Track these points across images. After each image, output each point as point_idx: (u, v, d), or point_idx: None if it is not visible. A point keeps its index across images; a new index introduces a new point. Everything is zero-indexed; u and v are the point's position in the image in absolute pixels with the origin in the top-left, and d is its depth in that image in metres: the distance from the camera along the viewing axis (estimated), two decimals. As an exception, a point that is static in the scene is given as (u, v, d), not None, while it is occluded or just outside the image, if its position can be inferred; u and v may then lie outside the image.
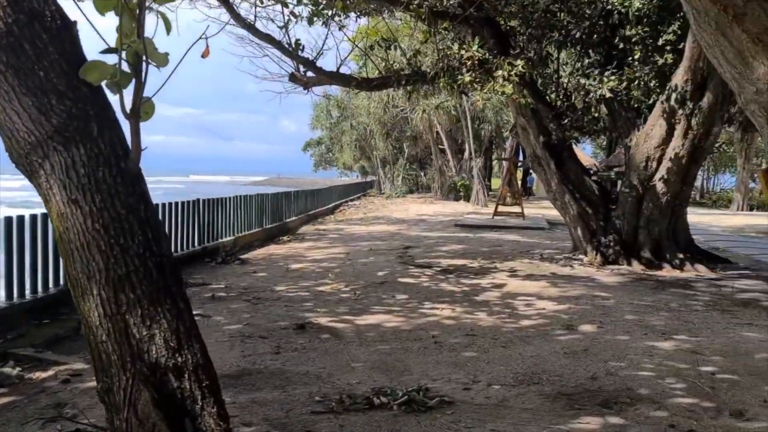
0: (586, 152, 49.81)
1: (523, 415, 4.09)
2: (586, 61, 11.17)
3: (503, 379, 4.82)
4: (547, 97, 11.60)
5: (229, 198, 12.45)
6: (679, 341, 5.95)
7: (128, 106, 2.62)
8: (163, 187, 55.46)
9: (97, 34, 2.56)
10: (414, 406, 4.21)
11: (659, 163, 10.70)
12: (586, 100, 10.07)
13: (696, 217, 22.72)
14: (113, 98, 2.68)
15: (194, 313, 3.05)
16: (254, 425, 3.86)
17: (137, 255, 2.68)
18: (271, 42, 10.04)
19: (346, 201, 31.42)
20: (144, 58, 2.55)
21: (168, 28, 2.64)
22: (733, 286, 9.25)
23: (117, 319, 2.70)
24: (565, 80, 11.58)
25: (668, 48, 10.29)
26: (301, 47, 10.35)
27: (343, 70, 11.40)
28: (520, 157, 33.44)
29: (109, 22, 2.58)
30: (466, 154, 33.17)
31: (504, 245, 13.87)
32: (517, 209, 21.72)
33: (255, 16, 10.29)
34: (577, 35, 10.81)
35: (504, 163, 26.51)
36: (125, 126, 2.72)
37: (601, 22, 11.15)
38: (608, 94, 9.64)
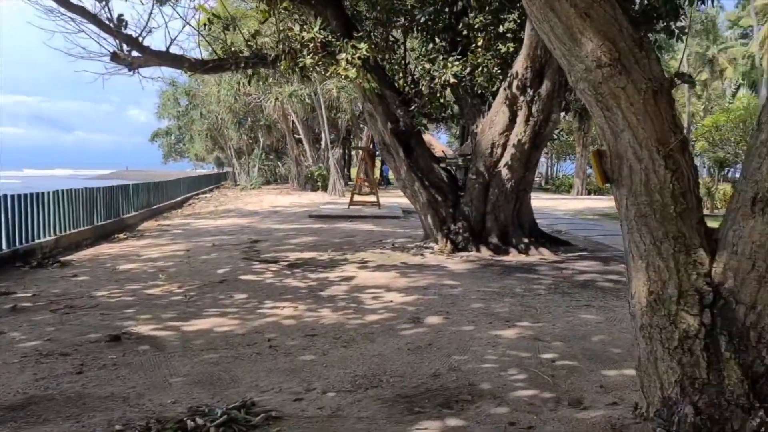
0: (441, 141, 51.29)
1: (358, 426, 3.67)
2: (432, 46, 11.07)
3: (340, 384, 4.37)
4: (396, 83, 11.38)
5: (48, 193, 10.99)
6: (522, 328, 5.87)
7: None
8: (-10, 183, 49.63)
9: None
10: (234, 427, 3.63)
11: (504, 149, 10.86)
12: (432, 86, 9.93)
13: (541, 202, 23.98)
14: None
15: None
16: (23, 473, 3.10)
17: None
18: (85, 15, 8.83)
19: (196, 194, 29.71)
20: None
21: None
22: (573, 268, 9.56)
23: None
24: (413, 66, 11.43)
25: (509, 36, 10.44)
26: (124, 23, 9.24)
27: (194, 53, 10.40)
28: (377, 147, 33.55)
29: None
30: (323, 143, 32.70)
31: (357, 235, 13.57)
32: (372, 198, 21.62)
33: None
34: (423, 21, 10.67)
35: (360, 152, 26.37)
36: None
37: (446, 9, 11.11)
38: (452, 80, 9.56)
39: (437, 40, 11.28)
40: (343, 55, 8.98)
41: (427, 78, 10.01)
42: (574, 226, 16.27)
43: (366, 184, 23.09)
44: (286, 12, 10.06)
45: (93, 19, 8.90)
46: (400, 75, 11.52)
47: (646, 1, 9.68)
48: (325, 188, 31.75)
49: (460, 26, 10.75)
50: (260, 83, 14.79)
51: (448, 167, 12.03)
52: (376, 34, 10.49)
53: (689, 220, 3.34)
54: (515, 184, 11.00)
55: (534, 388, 4.27)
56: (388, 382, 4.42)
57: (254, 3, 12.30)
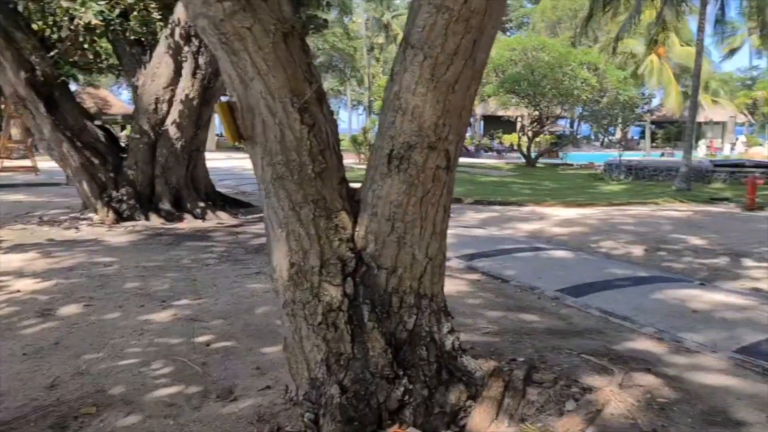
0: (122, 99, 46.67)
1: None
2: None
3: None
4: (33, 24, 9.39)
5: None
6: (179, 308, 5.17)
7: None
8: None
9: None
10: None
11: (170, 105, 9.83)
12: (72, 28, 8.36)
13: (232, 162, 23.35)
14: None
15: None
16: None
17: None
18: None
19: None
20: None
21: None
22: (251, 232, 9.14)
23: None
24: (54, 4, 9.55)
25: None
26: None
27: None
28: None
29: None
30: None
31: (-1, 208, 11.23)
32: (28, 163, 18.44)
33: None
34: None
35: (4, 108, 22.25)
36: None
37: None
38: (96, 21, 8.13)
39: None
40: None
41: (67, 19, 8.38)
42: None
43: (16, 147, 19.60)
44: None
45: None
46: (39, 15, 9.54)
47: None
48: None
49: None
50: None
51: (107, 125, 10.52)
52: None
53: (330, 181, 2.99)
54: (186, 144, 10.10)
55: (179, 383, 3.64)
56: (-20, 406, 3.35)
57: None
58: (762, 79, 48.87)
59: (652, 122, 37.29)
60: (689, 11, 20.90)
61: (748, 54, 67.45)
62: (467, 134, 44.49)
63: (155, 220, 9.79)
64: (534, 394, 3.34)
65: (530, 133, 28.71)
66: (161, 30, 9.42)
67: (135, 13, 8.75)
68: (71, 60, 9.06)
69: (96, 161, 9.62)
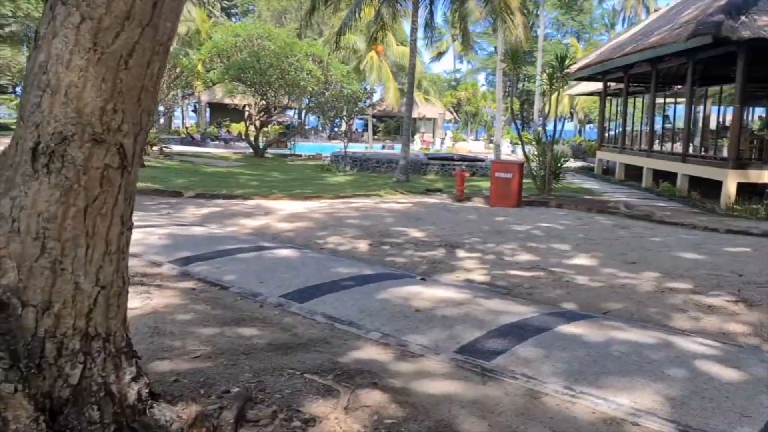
0: None
1: None
2: None
3: None
4: None
5: None
6: None
7: None
8: None
9: None
10: None
11: None
12: None
13: None
14: None
15: None
16: None
17: None
18: None
19: None
20: None
21: None
22: None
23: None
24: None
25: None
26: None
27: None
28: None
29: None
30: None
31: None
32: None
33: None
34: None
35: None
36: None
37: None
38: None
39: None
40: None
41: None
42: None
43: None
44: None
45: None
46: None
47: None
48: None
49: None
50: None
51: None
52: None
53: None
54: None
55: None
56: None
57: None
58: (464, 81, 55.62)
59: (374, 116, 39.72)
60: (403, 13, 22.27)
61: (452, 58, 76.08)
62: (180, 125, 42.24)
63: None
64: (248, 439, 2.79)
65: (258, 123, 28.23)
66: None
67: None
68: None
69: None
